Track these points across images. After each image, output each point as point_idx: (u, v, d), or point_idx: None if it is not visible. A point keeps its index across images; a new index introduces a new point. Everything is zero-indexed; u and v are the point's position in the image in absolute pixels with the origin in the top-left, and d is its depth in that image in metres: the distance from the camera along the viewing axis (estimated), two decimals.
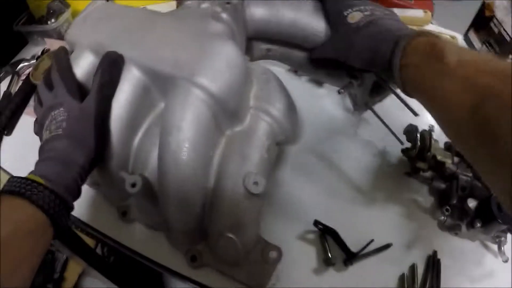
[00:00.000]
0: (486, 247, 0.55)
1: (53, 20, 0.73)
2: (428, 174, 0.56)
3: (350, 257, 0.50)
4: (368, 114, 0.58)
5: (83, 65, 0.48)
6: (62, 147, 0.40)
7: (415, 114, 0.45)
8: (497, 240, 0.52)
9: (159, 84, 0.46)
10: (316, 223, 0.51)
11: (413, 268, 0.52)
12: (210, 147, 0.44)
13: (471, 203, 0.52)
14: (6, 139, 0.62)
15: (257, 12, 0.52)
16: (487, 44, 0.77)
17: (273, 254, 0.47)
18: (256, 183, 0.42)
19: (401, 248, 0.53)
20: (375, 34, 0.44)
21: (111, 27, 0.49)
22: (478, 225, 0.50)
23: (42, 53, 0.72)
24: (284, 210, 0.54)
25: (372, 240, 0.51)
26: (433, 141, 0.54)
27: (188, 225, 0.45)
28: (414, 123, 0.55)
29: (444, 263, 0.52)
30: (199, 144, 0.42)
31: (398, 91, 0.44)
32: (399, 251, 0.52)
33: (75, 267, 0.85)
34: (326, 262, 0.50)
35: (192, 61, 0.43)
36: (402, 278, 0.51)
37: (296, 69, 0.63)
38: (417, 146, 0.54)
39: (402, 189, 0.58)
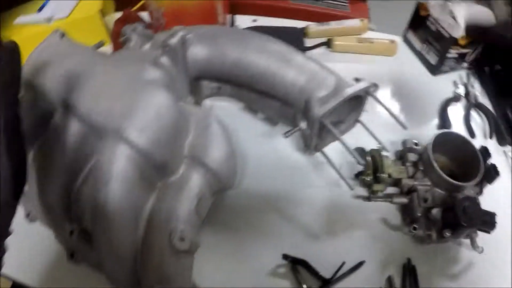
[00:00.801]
0: (459, 243, 0.55)
1: None
2: (386, 192, 0.55)
3: (325, 283, 0.49)
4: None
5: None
6: None
7: (404, 127, 0.47)
8: (468, 237, 0.51)
9: (96, 134, 0.45)
10: (285, 256, 0.50)
11: (389, 280, 0.51)
12: (138, 200, 0.43)
13: (435, 212, 0.51)
14: None
15: (199, 52, 0.51)
16: (427, 43, 0.79)
17: None
18: (182, 239, 0.41)
19: (375, 264, 0.52)
20: None
21: (62, 67, 0.49)
22: (448, 234, 0.49)
23: None
24: (249, 250, 0.53)
25: (344, 263, 0.50)
26: (384, 159, 0.53)
27: (122, 277, 0.45)
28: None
29: (420, 269, 0.52)
30: (125, 199, 0.41)
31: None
32: (373, 268, 0.52)
33: None
34: None
35: (122, 113, 0.42)
36: None
37: (249, 107, 0.61)
38: (370, 168, 0.53)
39: (367, 211, 0.57)
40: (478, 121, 0.74)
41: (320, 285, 0.49)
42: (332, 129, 0.47)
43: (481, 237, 0.51)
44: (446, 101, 0.73)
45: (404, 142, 0.57)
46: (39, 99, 0.47)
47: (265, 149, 0.58)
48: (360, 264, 0.51)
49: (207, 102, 0.61)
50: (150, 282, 0.43)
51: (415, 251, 0.54)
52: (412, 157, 0.55)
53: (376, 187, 0.53)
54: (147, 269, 0.44)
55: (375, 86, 0.50)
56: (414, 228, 0.51)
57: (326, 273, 0.50)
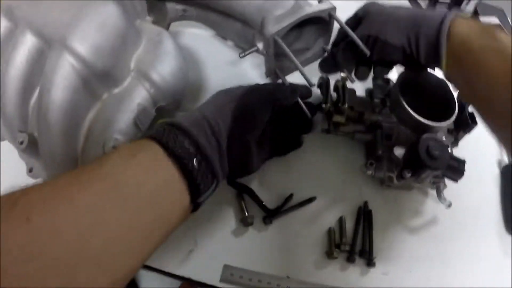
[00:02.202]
0: (425, 194, 0.52)
1: None
2: (348, 127, 0.51)
3: (269, 215, 0.48)
4: None
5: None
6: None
7: (366, 53, 0.43)
8: (434, 186, 0.48)
9: (48, 46, 0.46)
10: (231, 182, 0.49)
11: (340, 220, 0.49)
12: (79, 109, 0.43)
13: (398, 151, 0.47)
14: None
15: None
16: None
17: None
18: (114, 147, 0.41)
19: (327, 203, 0.50)
20: (416, 11, 0.45)
21: None
22: (408, 175, 0.45)
23: None
24: None
25: (291, 195, 0.49)
26: (347, 91, 0.48)
27: None
28: None
29: (378, 216, 0.49)
30: (66, 107, 0.42)
31: None
32: (325, 206, 0.50)
33: None
34: (245, 222, 0.48)
35: (67, 22, 0.42)
36: (329, 232, 0.48)
37: (214, 30, 0.59)
38: (331, 98, 0.49)
39: (326, 146, 0.54)
40: None
41: (264, 215, 0.47)
42: (284, 47, 0.44)
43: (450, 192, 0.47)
44: None
45: (374, 79, 0.52)
46: None
47: (230, 75, 0.56)
48: (310, 199, 0.49)
49: (180, 28, 0.60)
50: None
51: (375, 195, 0.51)
52: (379, 93, 0.51)
53: (336, 118, 0.49)
54: None
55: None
56: (371, 164, 0.47)
57: (273, 206, 0.48)
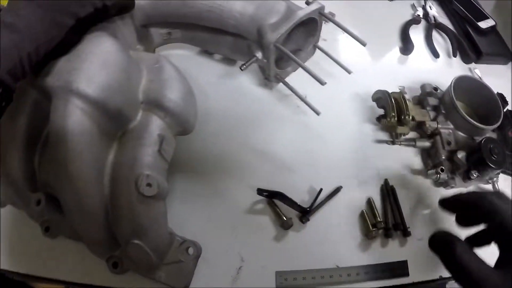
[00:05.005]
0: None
1: None
2: (410, 136, 0.55)
3: (304, 213, 0.49)
4: None
5: None
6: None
7: (363, 44, 0.46)
8: (489, 181, 0.53)
9: (47, 97, 0.43)
10: (260, 191, 0.49)
11: (370, 202, 0.51)
12: (99, 153, 0.41)
13: (460, 155, 0.51)
14: None
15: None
16: None
17: (191, 251, 0.45)
18: (149, 184, 0.40)
19: (351, 189, 0.52)
20: None
21: None
22: (475, 175, 0.50)
23: None
24: (223, 191, 0.51)
25: (321, 189, 0.50)
26: (407, 102, 0.53)
27: (96, 234, 0.43)
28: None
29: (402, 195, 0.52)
30: (85, 154, 0.39)
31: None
32: (350, 192, 0.52)
33: None
34: (284, 226, 0.48)
35: (67, 67, 0.40)
36: (362, 215, 0.51)
37: (203, 49, 0.59)
38: (394, 111, 0.52)
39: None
40: (440, 41, 0.73)
41: (300, 215, 0.49)
42: (288, 53, 0.45)
43: None
44: (406, 24, 0.72)
45: (422, 87, 0.57)
46: None
47: (226, 89, 0.56)
48: (337, 190, 0.51)
49: (162, 52, 0.59)
50: (125, 236, 0.42)
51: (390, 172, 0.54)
52: (432, 101, 0.55)
53: (400, 129, 0.52)
54: (120, 224, 0.42)
55: (332, 15, 0.49)
56: (442, 170, 0.51)
57: (304, 204, 0.49)
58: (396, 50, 0.69)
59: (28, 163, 0.44)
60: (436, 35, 0.73)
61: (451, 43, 0.71)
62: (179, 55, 0.59)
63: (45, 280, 0.50)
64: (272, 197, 0.49)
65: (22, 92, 0.43)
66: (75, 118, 0.38)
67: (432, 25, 0.73)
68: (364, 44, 0.46)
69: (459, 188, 0.53)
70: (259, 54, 0.48)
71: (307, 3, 0.49)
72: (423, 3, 0.77)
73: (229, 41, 0.51)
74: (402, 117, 0.52)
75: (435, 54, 0.69)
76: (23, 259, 0.50)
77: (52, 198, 0.44)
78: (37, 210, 0.43)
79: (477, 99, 0.57)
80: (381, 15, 0.74)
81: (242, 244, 0.47)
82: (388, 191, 0.52)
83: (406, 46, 0.68)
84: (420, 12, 0.75)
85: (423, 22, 0.74)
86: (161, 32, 0.53)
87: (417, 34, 0.72)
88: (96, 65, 0.40)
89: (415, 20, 0.73)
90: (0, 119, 0.39)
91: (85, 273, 0.49)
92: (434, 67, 0.67)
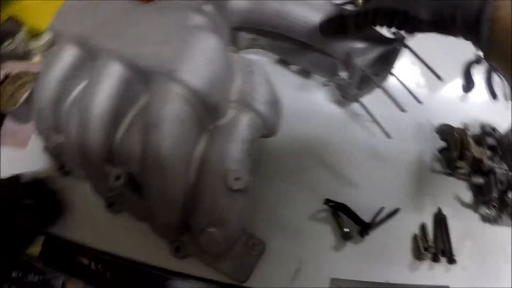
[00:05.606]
0: None
1: (9, 42, 0.67)
2: (465, 170, 0.57)
3: (365, 228, 0.51)
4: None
5: (66, 58, 0.47)
6: None
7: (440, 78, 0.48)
8: None
9: (141, 78, 0.45)
10: (327, 201, 0.52)
11: (423, 227, 0.54)
12: (190, 143, 0.44)
13: (511, 195, 0.55)
14: None
15: (241, 2, 0.51)
16: None
17: (256, 247, 0.47)
18: (237, 179, 0.42)
19: (406, 212, 0.54)
20: None
21: (94, 18, 0.49)
22: None
23: (4, 79, 0.63)
24: (289, 196, 0.54)
25: (382, 208, 0.52)
26: (470, 139, 0.56)
27: (171, 218, 0.46)
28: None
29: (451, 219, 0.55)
30: (178, 141, 0.42)
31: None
32: (405, 215, 0.54)
33: None
34: (344, 237, 0.51)
35: (173, 56, 0.42)
36: (415, 238, 0.53)
37: (284, 59, 0.62)
38: (457, 146, 0.56)
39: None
40: (499, 83, 0.75)
41: (360, 229, 0.51)
42: (374, 79, 0.48)
43: None
44: (469, 63, 0.74)
45: (483, 127, 0.60)
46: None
47: (301, 101, 0.59)
48: (396, 211, 0.53)
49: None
50: (201, 225, 0.45)
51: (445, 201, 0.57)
52: (491, 141, 0.58)
53: (460, 163, 0.55)
54: (199, 213, 0.45)
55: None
56: (494, 206, 0.54)
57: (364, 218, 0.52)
58: (455, 85, 0.71)
59: (110, 139, 0.46)
60: (496, 77, 0.75)
61: (510, 86, 0.74)
62: (257, 60, 0.62)
63: (100, 252, 0.53)
64: (337, 208, 0.51)
65: (114, 70, 0.44)
66: (174, 105, 0.41)
67: (493, 66, 0.75)
68: (440, 79, 0.49)
69: (505, 227, 0.56)
70: (343, 74, 0.51)
71: (393, 33, 0.51)
72: None
73: (314, 56, 0.54)
74: (464, 152, 0.55)
75: (494, 96, 0.71)
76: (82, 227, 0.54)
77: (130, 177, 0.45)
78: (113, 185, 0.45)
79: None
80: (444, 49, 0.76)
81: (302, 248, 0.50)
82: (440, 219, 0.55)
83: (468, 85, 0.70)
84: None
85: (484, 62, 0.76)
86: (247, 37, 0.56)
87: (478, 74, 0.74)
88: (202, 59, 0.42)
89: (477, 60, 0.75)
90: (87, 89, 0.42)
91: (143, 252, 0.52)
92: (492, 107, 0.70)
